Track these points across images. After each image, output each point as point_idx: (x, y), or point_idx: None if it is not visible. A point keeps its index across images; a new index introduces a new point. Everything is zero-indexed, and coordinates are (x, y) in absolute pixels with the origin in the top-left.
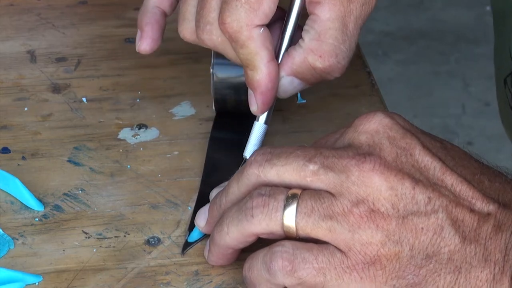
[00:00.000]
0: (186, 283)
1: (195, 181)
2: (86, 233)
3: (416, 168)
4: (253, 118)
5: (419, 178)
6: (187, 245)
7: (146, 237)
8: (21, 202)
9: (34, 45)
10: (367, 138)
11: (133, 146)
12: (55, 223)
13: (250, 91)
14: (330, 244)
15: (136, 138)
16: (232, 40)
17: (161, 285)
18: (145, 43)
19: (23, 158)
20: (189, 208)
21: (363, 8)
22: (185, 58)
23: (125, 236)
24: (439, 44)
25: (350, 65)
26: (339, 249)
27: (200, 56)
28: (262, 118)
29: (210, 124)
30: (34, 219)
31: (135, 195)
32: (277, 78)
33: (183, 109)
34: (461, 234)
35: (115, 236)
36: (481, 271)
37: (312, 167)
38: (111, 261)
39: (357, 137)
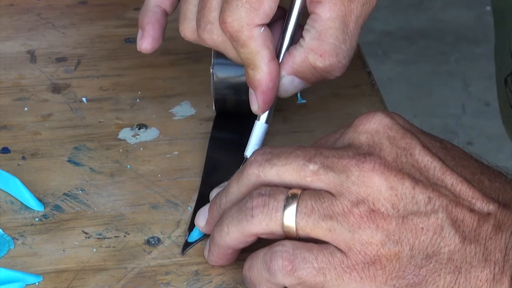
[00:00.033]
0: (186, 283)
1: (195, 181)
2: (86, 233)
3: (416, 168)
4: (253, 118)
5: (419, 178)
6: (187, 245)
7: (146, 237)
8: (21, 202)
9: (34, 45)
10: (367, 138)
11: (133, 146)
12: (55, 223)
13: (251, 90)
14: (330, 244)
15: (136, 138)
16: (233, 39)
17: (161, 285)
18: (146, 42)
19: (23, 158)
20: (189, 208)
21: (364, 8)
22: (185, 58)
23: (125, 236)
24: (439, 44)
25: (350, 65)
26: (339, 249)
27: (200, 56)
28: (263, 117)
29: (210, 124)
30: (34, 219)
31: (135, 195)
32: (278, 77)
33: (183, 109)
34: (461, 234)
35: (115, 236)
36: (481, 271)
37: (312, 167)
38: (111, 261)
39: (357, 137)
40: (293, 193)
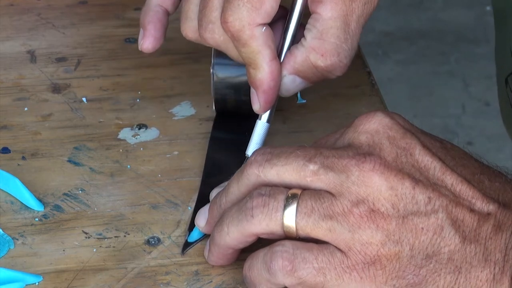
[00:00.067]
0: (186, 283)
1: (195, 181)
2: (86, 233)
3: (416, 168)
4: (253, 118)
5: (419, 178)
6: (187, 245)
7: (146, 237)
8: (21, 202)
9: (34, 45)
10: (367, 138)
11: (133, 146)
12: (55, 223)
13: (252, 90)
14: (330, 244)
15: (136, 138)
16: (234, 39)
17: (161, 285)
18: (148, 42)
19: (23, 158)
20: (189, 208)
21: (365, 7)
22: (185, 58)
23: (125, 236)
24: (439, 44)
25: (350, 65)
26: (339, 249)
27: (200, 56)
28: (265, 116)
29: (210, 124)
30: (34, 219)
31: (135, 195)
32: (279, 76)
33: (183, 109)
34: (461, 234)
35: (115, 236)
36: (481, 271)
37: (312, 167)
38: (111, 261)
39: (357, 137)
40: (293, 193)
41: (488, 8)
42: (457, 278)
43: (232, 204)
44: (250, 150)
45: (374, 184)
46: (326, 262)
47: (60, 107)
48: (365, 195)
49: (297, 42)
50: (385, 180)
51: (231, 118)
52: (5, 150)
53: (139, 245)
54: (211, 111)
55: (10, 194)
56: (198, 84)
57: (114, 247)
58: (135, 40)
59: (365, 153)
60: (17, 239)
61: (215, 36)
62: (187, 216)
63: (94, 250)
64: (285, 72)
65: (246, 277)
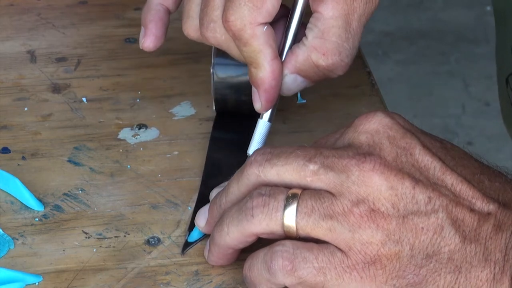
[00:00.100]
0: (186, 283)
1: (195, 181)
2: (86, 233)
3: (416, 167)
4: (253, 118)
5: (419, 178)
6: (187, 245)
7: (146, 237)
8: (21, 202)
9: (34, 45)
10: (367, 138)
11: (133, 146)
12: (55, 223)
13: (254, 89)
14: (331, 243)
15: (136, 138)
16: (236, 38)
17: (161, 285)
18: (149, 41)
19: (23, 158)
20: (189, 208)
21: (367, 6)
22: (185, 58)
23: (125, 236)
24: (439, 44)
25: (351, 64)
26: (340, 249)
27: (200, 56)
28: (266, 115)
29: (210, 124)
30: (34, 219)
31: (135, 195)
32: (280, 76)
33: (183, 109)
34: (461, 234)
35: (115, 236)
36: (481, 271)
37: (312, 167)
38: (111, 261)
39: (357, 137)
40: (293, 193)
41: (488, 8)
42: (457, 278)
43: (232, 204)
44: (251, 149)
45: (374, 184)
46: (326, 262)
47: (60, 107)
48: (365, 195)
49: (299, 41)
50: (385, 180)
51: (232, 118)
52: (5, 150)
53: (139, 245)
54: (211, 111)
55: (10, 194)
56: (198, 84)
57: (114, 247)
58: (135, 40)
59: (365, 153)
60: (17, 239)
61: (216, 35)
62: (187, 216)
63: (94, 250)
64: (286, 71)
65: (246, 277)
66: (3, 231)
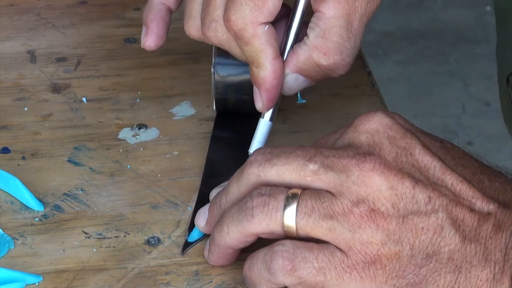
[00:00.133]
0: (186, 283)
1: (195, 181)
2: (86, 233)
3: (416, 167)
4: (254, 117)
5: (419, 178)
6: (187, 245)
7: (146, 237)
8: (21, 202)
9: (34, 45)
10: (367, 138)
11: (133, 146)
12: (55, 223)
13: (255, 88)
14: (331, 243)
15: (136, 138)
16: (237, 37)
17: (161, 285)
18: (150, 40)
19: (23, 158)
20: (189, 208)
21: (368, 6)
22: (185, 58)
23: (125, 236)
24: (439, 44)
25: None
26: (340, 249)
27: (200, 56)
28: (267, 115)
29: (210, 124)
30: (34, 219)
31: (135, 195)
32: (282, 75)
33: (183, 109)
34: (461, 234)
35: (115, 236)
36: (481, 271)
37: (312, 166)
38: (111, 261)
39: (357, 136)
40: (293, 193)
41: (488, 8)
42: (457, 278)
43: (232, 204)
44: (253, 148)
45: (374, 184)
46: (326, 262)
47: (60, 107)
48: (365, 195)
49: (300, 41)
50: (385, 179)
51: (232, 117)
52: (5, 150)
53: (139, 245)
54: (211, 111)
55: (10, 194)
56: (198, 84)
57: (114, 247)
58: (135, 40)
59: (365, 153)
60: (17, 239)
61: (218, 35)
62: (187, 216)
63: (94, 250)
64: (288, 70)
65: (246, 277)
66: (3, 231)
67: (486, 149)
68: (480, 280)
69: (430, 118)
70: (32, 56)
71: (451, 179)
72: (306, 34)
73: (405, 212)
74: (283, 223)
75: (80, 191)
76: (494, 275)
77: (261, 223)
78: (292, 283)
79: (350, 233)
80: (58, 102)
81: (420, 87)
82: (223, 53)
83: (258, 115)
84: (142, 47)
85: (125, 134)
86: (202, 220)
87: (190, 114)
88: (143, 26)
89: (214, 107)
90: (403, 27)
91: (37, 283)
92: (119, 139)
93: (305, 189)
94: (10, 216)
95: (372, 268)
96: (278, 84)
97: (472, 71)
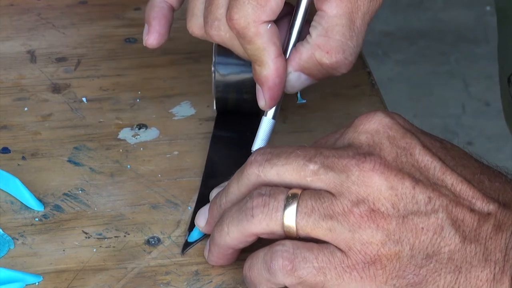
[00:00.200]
0: (186, 283)
1: (195, 181)
2: (86, 233)
3: (416, 167)
4: (255, 116)
5: (419, 178)
6: (187, 245)
7: (146, 237)
8: (21, 202)
9: (34, 45)
10: (367, 138)
11: (133, 146)
12: (55, 223)
13: (258, 87)
14: (331, 243)
15: (136, 138)
16: (240, 36)
17: (161, 285)
18: (152, 38)
19: (23, 158)
20: (189, 208)
21: (371, 4)
22: (185, 58)
23: (125, 236)
24: (439, 44)
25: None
26: (340, 249)
27: (200, 56)
28: (270, 113)
29: (210, 124)
30: (34, 219)
31: (135, 195)
32: (284, 73)
33: (183, 109)
34: (461, 234)
35: (115, 236)
36: (482, 271)
37: (312, 167)
38: (111, 261)
39: (357, 137)
40: (293, 193)
41: (488, 8)
42: (457, 278)
43: (232, 204)
44: (255, 146)
45: (374, 184)
46: (326, 262)
47: (60, 107)
48: (365, 195)
49: (303, 39)
50: (385, 180)
51: (233, 117)
52: (5, 150)
53: (139, 245)
54: (211, 111)
55: (10, 194)
56: (198, 84)
57: (114, 247)
58: (135, 40)
59: (365, 153)
60: (17, 239)
61: (220, 33)
62: (187, 216)
63: (94, 250)
64: (290, 69)
65: (246, 277)
66: (3, 231)
67: (486, 149)
68: (480, 280)
69: (430, 118)
70: (32, 56)
71: (451, 179)
72: (308, 33)
73: (405, 212)
74: (283, 223)
75: (80, 191)
76: (494, 275)
77: (261, 223)
78: (292, 283)
79: (350, 233)
80: (58, 102)
81: (420, 87)
82: (223, 51)
83: (258, 114)
84: (144, 45)
85: (125, 134)
86: (202, 220)
87: (190, 114)
88: (145, 24)
89: (215, 107)
90: (403, 27)
91: (37, 283)
92: (119, 139)
93: (305, 189)
94: (10, 216)
95: (372, 268)
96: (281, 82)
97: (472, 71)
